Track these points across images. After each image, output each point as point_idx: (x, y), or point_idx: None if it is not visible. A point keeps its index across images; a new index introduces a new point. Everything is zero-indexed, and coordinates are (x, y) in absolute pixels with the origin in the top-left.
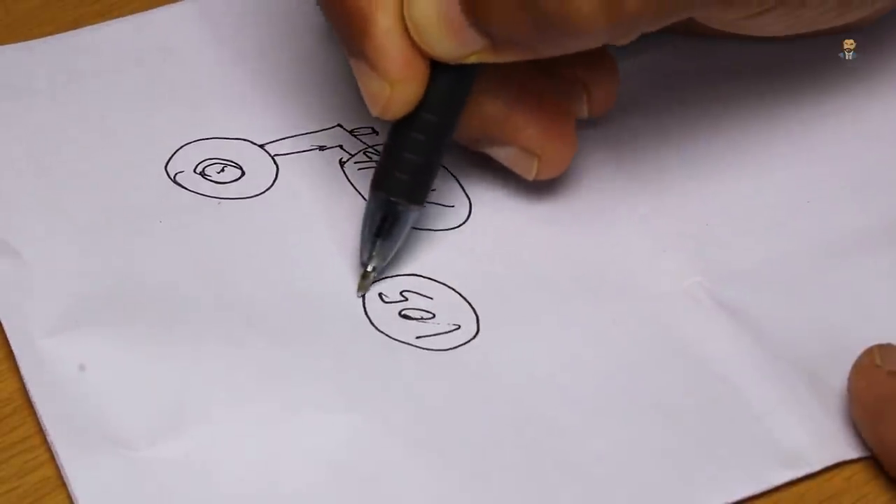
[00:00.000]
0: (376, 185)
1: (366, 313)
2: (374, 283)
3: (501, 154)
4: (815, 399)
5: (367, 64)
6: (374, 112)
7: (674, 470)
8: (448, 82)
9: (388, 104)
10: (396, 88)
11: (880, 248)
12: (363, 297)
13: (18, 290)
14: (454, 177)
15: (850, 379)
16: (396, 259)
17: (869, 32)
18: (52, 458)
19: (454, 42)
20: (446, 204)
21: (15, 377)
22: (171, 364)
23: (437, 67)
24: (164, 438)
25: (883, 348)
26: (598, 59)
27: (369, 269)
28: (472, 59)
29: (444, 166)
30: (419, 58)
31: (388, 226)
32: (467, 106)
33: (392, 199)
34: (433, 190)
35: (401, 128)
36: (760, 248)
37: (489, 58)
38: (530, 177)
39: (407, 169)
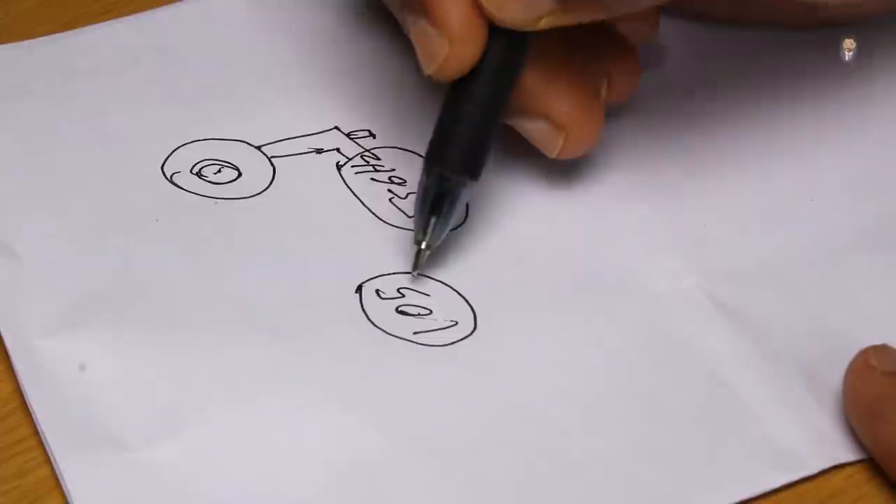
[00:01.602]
0: (431, 160)
1: (363, 310)
2: (423, 262)
3: (529, 126)
4: (812, 400)
5: (427, 20)
6: (429, 70)
7: (670, 471)
8: (503, 52)
9: (445, 63)
10: (455, 47)
11: (878, 249)
12: (360, 293)
13: (15, 291)
14: None
15: (845, 380)
16: (395, 258)
17: (869, 33)
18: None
19: (523, 5)
20: None
21: (13, 377)
22: (167, 365)
23: (493, 35)
24: (161, 439)
25: (878, 349)
26: (622, 48)
27: (423, 246)
28: (543, 24)
29: None
30: (480, 19)
31: (443, 202)
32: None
33: (446, 174)
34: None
35: (454, 101)
36: (758, 249)
37: (561, 19)
38: (554, 153)
39: (461, 143)
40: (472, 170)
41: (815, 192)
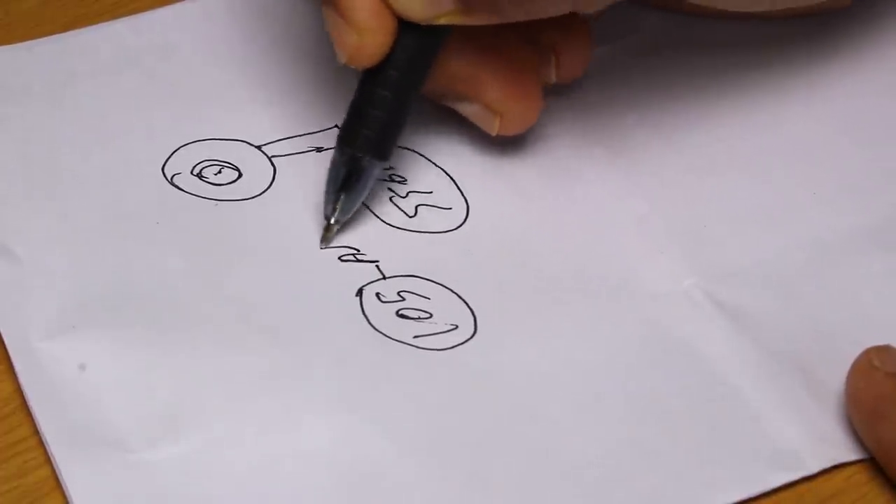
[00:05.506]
0: (342, 140)
1: (363, 313)
2: (336, 236)
3: (465, 109)
4: (812, 400)
5: (337, 12)
6: (341, 60)
7: (671, 471)
8: (416, 41)
9: (354, 53)
10: (364, 38)
11: (877, 249)
12: (360, 296)
13: (15, 292)
14: (452, 179)
15: (847, 380)
16: (395, 261)
17: (868, 32)
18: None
19: (424, 3)
20: (444, 206)
21: (14, 377)
22: (168, 366)
23: (406, 25)
24: (162, 440)
25: (881, 349)
26: (571, 25)
27: (332, 221)
28: (442, 21)
29: (442, 169)
30: (388, 10)
31: (352, 180)
32: (435, 60)
33: (358, 154)
34: (430, 192)
35: (367, 84)
36: (758, 249)
37: (459, 20)
38: (493, 133)
39: (372, 125)
40: (382, 152)
41: (813, 192)
